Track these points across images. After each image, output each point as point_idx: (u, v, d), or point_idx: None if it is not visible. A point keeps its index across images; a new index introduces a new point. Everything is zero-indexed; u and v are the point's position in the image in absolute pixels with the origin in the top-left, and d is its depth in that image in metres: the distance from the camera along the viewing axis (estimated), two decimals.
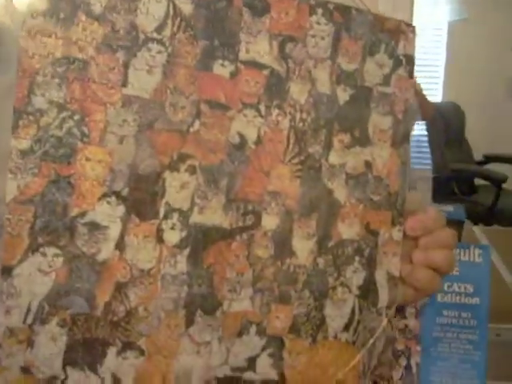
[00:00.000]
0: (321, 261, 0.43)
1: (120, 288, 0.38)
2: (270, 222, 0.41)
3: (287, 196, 0.42)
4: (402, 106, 0.45)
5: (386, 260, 0.45)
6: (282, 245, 0.42)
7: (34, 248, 0.36)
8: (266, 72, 0.41)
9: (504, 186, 2.67)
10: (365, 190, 0.44)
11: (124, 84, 0.38)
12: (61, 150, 0.37)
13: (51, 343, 0.37)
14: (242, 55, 0.41)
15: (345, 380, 0.44)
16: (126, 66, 0.38)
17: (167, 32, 0.39)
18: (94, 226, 0.37)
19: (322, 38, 0.43)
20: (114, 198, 0.37)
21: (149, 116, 0.38)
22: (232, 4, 0.41)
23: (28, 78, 0.36)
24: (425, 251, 0.44)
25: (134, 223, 0.38)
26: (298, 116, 0.42)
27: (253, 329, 0.41)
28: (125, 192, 0.38)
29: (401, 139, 0.45)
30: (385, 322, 0.45)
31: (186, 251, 0.39)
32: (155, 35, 0.39)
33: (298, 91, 0.42)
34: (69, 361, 0.37)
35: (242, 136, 0.41)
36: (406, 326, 0.69)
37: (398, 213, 0.45)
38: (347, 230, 0.44)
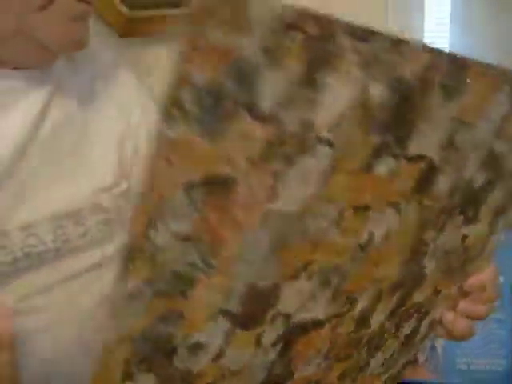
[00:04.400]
0: (387, 324, 0.43)
1: None
2: (361, 304, 0.39)
3: (385, 280, 0.39)
4: None
5: (435, 312, 0.47)
6: (363, 321, 0.41)
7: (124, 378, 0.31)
8: (422, 164, 0.33)
9: None
10: (450, 261, 0.43)
11: (271, 200, 0.28)
12: (177, 286, 0.28)
13: None
14: (412, 149, 0.32)
15: None
16: (277, 176, 0.28)
17: (341, 129, 0.28)
18: (196, 347, 0.32)
19: (494, 122, 0.35)
20: (221, 317, 0.32)
21: (286, 232, 0.30)
22: (427, 85, 0.30)
23: (151, 207, 0.25)
24: (473, 305, 0.47)
25: (237, 335, 0.34)
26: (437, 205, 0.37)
27: None
28: (235, 310, 0.32)
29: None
30: (411, 355, 0.50)
31: (279, 346, 0.37)
32: (327, 135, 0.28)
33: (445, 180, 0.36)
34: None
35: (371, 234, 0.35)
36: None
37: (465, 275, 0.46)
38: (420, 295, 0.44)
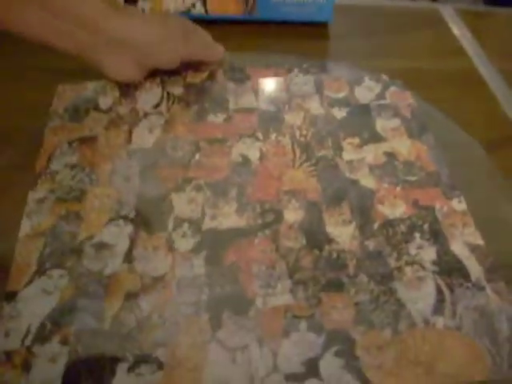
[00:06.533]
0: (370, 243, 0.37)
1: (129, 298, 0.35)
2: (293, 215, 0.39)
3: (307, 191, 0.41)
4: (406, 109, 0.47)
5: (458, 231, 0.38)
6: (315, 233, 0.38)
7: (41, 272, 0.36)
8: (256, 113, 0.47)
9: None
10: (396, 175, 0.42)
11: (129, 143, 0.45)
12: (72, 194, 0.41)
13: (50, 365, 0.32)
14: (232, 106, 0.48)
15: (470, 375, 0.31)
16: (130, 132, 0.45)
17: (163, 107, 0.48)
18: (101, 246, 0.37)
19: (305, 84, 0.50)
20: (121, 221, 0.39)
21: (151, 159, 0.43)
22: (216, 81, 0.50)
23: (48, 151, 0.44)
24: None
25: (143, 238, 0.38)
26: (297, 133, 0.45)
27: (303, 324, 0.33)
28: (132, 215, 0.39)
29: (418, 131, 0.45)
30: (493, 296, 0.35)
31: (202, 254, 0.37)
32: (153, 110, 0.47)
33: (292, 118, 0.46)
34: None
35: (244, 156, 0.43)
36: None
37: (448, 187, 0.41)
38: (391, 210, 0.40)
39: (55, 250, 0.37)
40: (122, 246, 0.38)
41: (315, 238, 0.38)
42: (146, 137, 0.46)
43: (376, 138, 0.45)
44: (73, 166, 0.43)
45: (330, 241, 0.38)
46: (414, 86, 0.50)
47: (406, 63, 0.55)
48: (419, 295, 0.35)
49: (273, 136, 0.45)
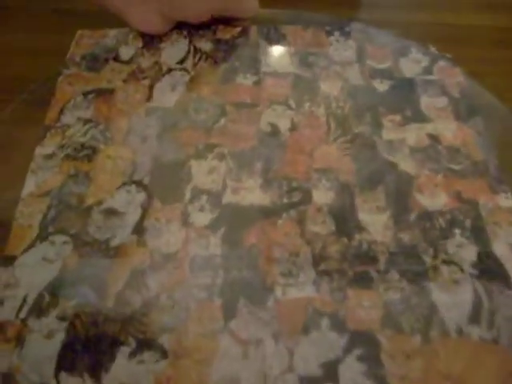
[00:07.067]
0: (404, 236, 0.34)
1: (136, 275, 0.32)
2: (322, 197, 0.35)
3: (340, 171, 0.37)
4: (455, 88, 0.42)
5: (502, 231, 0.34)
6: (345, 219, 0.34)
7: (43, 237, 0.33)
8: (289, 78, 0.42)
9: None
10: (438, 160, 0.38)
11: (148, 100, 0.41)
12: (82, 152, 0.37)
13: (45, 342, 0.29)
14: (264, 68, 0.43)
15: None
16: (151, 88, 0.41)
17: (189, 63, 0.43)
18: (110, 213, 0.34)
19: (345, 50, 0.45)
20: (133, 187, 0.35)
21: (171, 120, 0.39)
22: (248, 39, 0.46)
23: (61, 102, 0.40)
24: None
25: (156, 208, 0.34)
26: (333, 105, 0.41)
27: (325, 321, 0.30)
28: (146, 180, 0.36)
29: (466, 114, 0.41)
30: None
31: (220, 231, 0.33)
32: (178, 66, 0.43)
33: (328, 87, 0.42)
34: (64, 365, 0.28)
35: (273, 125, 0.39)
36: None
37: (495, 180, 0.37)
38: (430, 201, 0.35)
39: (60, 214, 0.34)
40: (133, 214, 0.35)
41: (345, 224, 0.34)
42: (167, 95, 0.42)
43: (419, 117, 0.41)
44: (86, 121, 0.40)
45: (361, 229, 0.34)
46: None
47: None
48: (455, 300, 0.31)
49: (306, 105, 0.41)
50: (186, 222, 0.34)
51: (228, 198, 0.35)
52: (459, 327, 0.30)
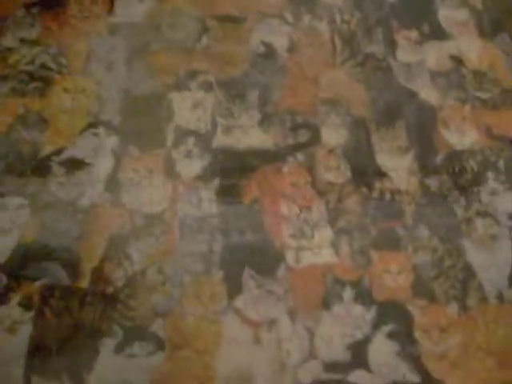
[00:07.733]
0: (431, 182, 0.28)
1: (116, 244, 0.25)
2: (333, 135, 0.29)
3: (351, 103, 0.30)
4: None
5: None
6: (362, 164, 0.28)
7: None
8: None
9: None
10: (464, 87, 0.31)
11: (109, 13, 0.32)
12: (32, 85, 0.29)
13: (8, 338, 0.23)
14: None
15: None
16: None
17: None
18: (73, 165, 0.27)
19: None
20: (102, 129, 0.28)
21: (142, 39, 0.31)
22: None
23: None
24: None
25: (132, 156, 0.27)
26: (337, 18, 0.33)
27: (348, 292, 0.25)
28: (116, 120, 0.28)
29: (491, 29, 0.34)
30: None
31: (214, 183, 0.27)
32: None
33: None
34: (35, 366, 0.22)
35: (268, 45, 0.32)
36: None
37: None
38: (458, 138, 0.30)
39: (11, 168, 0.27)
40: (104, 165, 0.28)
41: (363, 169, 0.29)
42: (133, 6, 0.33)
43: (439, 33, 0.35)
44: (32, 43, 0.31)
45: (382, 176, 0.29)
46: None
47: None
48: (492, 259, 0.27)
49: (306, 19, 0.34)
50: (171, 172, 0.28)
51: (219, 139, 0.29)
52: (499, 292, 0.26)
